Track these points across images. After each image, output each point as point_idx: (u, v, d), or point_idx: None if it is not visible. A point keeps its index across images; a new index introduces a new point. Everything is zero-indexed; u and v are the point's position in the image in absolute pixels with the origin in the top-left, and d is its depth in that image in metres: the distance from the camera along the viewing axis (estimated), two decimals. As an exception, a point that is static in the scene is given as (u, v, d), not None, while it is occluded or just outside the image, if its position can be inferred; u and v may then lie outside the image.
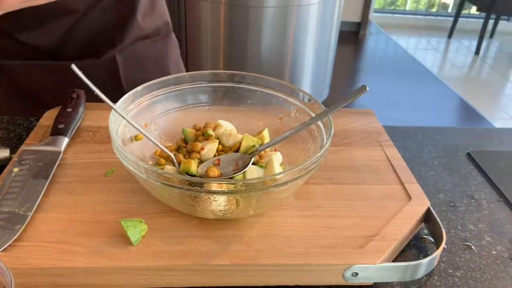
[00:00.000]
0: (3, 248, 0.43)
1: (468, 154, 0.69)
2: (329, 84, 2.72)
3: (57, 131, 0.59)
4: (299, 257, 0.45)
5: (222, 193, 0.42)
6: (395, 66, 3.52)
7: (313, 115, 0.56)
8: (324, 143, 0.49)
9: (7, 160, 0.57)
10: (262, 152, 0.56)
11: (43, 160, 0.55)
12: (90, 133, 0.62)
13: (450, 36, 4.04)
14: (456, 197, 0.60)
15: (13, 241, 0.44)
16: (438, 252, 0.47)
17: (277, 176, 0.45)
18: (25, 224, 0.46)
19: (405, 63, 3.59)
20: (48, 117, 0.64)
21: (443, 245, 0.48)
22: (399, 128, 0.76)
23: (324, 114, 0.51)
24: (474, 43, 3.83)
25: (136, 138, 0.54)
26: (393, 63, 3.58)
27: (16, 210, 0.47)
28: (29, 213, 0.47)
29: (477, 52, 3.83)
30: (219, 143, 0.56)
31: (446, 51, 3.98)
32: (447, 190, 0.61)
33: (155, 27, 0.82)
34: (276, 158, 0.54)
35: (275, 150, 0.57)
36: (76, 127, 0.62)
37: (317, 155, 0.46)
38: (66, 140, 0.58)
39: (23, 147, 0.57)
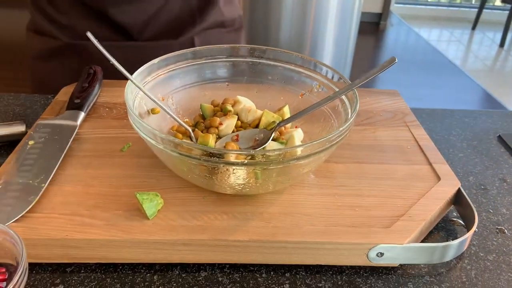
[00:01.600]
0: (16, 218, 0.42)
1: (499, 136, 0.66)
2: (349, 75, 2.67)
3: (73, 106, 0.57)
4: (321, 235, 0.43)
5: (241, 164, 0.40)
6: (416, 57, 3.43)
7: (337, 90, 0.53)
8: (349, 117, 0.46)
9: (23, 135, 0.56)
10: (283, 128, 0.53)
11: (59, 133, 0.54)
12: (107, 109, 0.61)
13: (474, 27, 3.93)
14: (487, 180, 0.57)
15: (27, 212, 0.43)
16: (469, 234, 0.44)
17: (298, 149, 0.43)
18: (39, 195, 0.44)
19: (427, 54, 3.50)
20: (65, 93, 0.63)
21: (475, 227, 0.45)
22: (425, 110, 0.72)
23: (350, 88, 0.49)
24: (499, 35, 3.71)
25: (152, 111, 0.53)
26: (414, 55, 3.50)
27: (31, 181, 0.46)
28: (43, 184, 0.46)
29: (501, 44, 3.71)
30: (238, 119, 0.54)
31: (469, 43, 3.87)
32: (477, 173, 0.58)
33: (232, 16, 0.83)
34: (297, 135, 0.52)
35: (296, 127, 0.55)
36: (93, 102, 0.60)
37: (341, 128, 0.44)
38: (82, 115, 0.57)
39: (38, 121, 0.56)
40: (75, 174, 0.49)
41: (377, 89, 0.71)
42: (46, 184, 0.46)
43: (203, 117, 0.56)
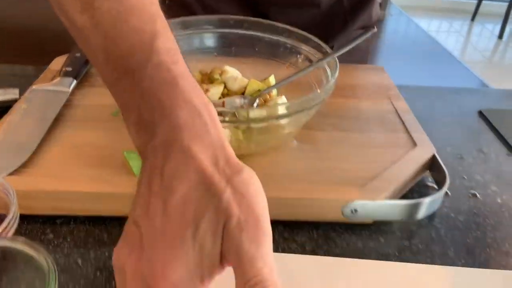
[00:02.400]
0: (9, 172, 0.44)
1: (480, 112, 0.68)
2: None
3: (65, 73, 0.60)
4: (299, 192, 0.45)
5: (223, 121, 0.42)
6: (416, 48, 3.44)
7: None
8: (329, 79, 0.49)
9: (16, 101, 0.58)
10: (268, 96, 0.55)
11: (51, 99, 0.56)
12: (98, 78, 0.63)
13: (473, 19, 3.94)
14: (464, 150, 0.59)
15: (19, 167, 0.45)
16: (440, 194, 0.47)
17: (279, 108, 0.45)
18: (32, 152, 0.47)
19: (427, 45, 3.51)
20: (58, 63, 0.65)
21: (446, 186, 0.47)
22: (411, 86, 0.74)
23: (330, 55, 0.51)
24: (498, 27, 3.72)
25: None
26: (414, 45, 3.51)
27: (23, 140, 0.48)
28: (35, 143, 0.48)
29: (500, 36, 3.72)
30: (225, 87, 0.56)
31: (469, 34, 3.88)
32: (455, 144, 0.60)
33: (373, 20, 0.79)
34: (281, 101, 0.54)
35: (281, 96, 0.57)
36: (84, 71, 0.62)
37: (319, 91, 0.46)
38: (73, 82, 0.59)
39: (31, 87, 0.58)
40: (66, 136, 0.51)
41: (364, 65, 0.73)
42: (38, 143, 0.48)
43: (191, 85, 0.58)
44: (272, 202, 0.44)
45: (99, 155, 0.48)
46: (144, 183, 0.30)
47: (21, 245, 0.33)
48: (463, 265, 0.42)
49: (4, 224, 0.37)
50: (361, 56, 0.77)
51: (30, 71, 0.70)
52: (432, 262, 0.43)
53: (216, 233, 0.28)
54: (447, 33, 3.80)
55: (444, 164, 0.52)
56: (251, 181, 0.30)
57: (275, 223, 0.46)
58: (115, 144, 0.50)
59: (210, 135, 0.30)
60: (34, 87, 0.58)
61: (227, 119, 0.42)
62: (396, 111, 0.60)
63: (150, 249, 0.28)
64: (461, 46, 3.70)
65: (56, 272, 0.31)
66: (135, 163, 0.46)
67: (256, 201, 0.30)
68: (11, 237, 0.35)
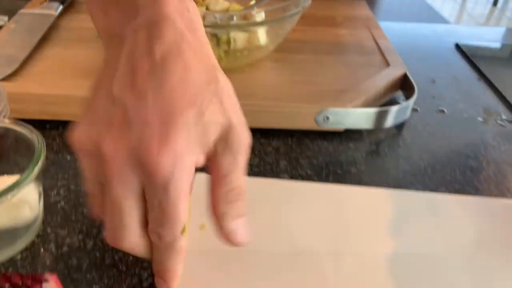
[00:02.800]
0: (2, 77, 0.47)
1: (457, 44, 0.71)
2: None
3: (52, -1, 0.61)
4: (275, 100, 0.48)
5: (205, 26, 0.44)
6: (412, 15, 3.43)
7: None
8: None
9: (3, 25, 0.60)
10: (248, 15, 0.57)
11: (38, 20, 0.57)
12: (84, 5, 0.65)
13: (468, -15, 3.91)
14: (438, 75, 0.62)
15: (9, 75, 0.47)
16: (407, 104, 0.50)
17: (257, 16, 0.47)
18: (20, 62, 0.49)
19: (423, 13, 3.49)
20: (46, -8, 0.67)
21: (413, 97, 0.50)
22: (392, 23, 0.76)
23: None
24: (493, -6, 3.71)
25: None
26: (409, 12, 3.49)
27: (13, 53, 0.50)
28: (24, 55, 0.50)
29: (495, 3, 3.71)
30: (207, 9, 0.58)
31: (464, 1, 3.86)
32: (430, 71, 0.63)
33: None
34: (260, 17, 0.56)
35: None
36: (71, -1, 0.64)
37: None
38: (60, 6, 0.60)
39: (19, 11, 0.60)
40: (52, 52, 0.53)
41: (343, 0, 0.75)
42: (26, 56, 0.50)
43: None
44: (249, 110, 0.47)
45: (83, 68, 0.51)
46: (124, 62, 0.28)
47: (16, 125, 0.35)
48: (424, 167, 0.46)
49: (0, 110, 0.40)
50: None
51: (20, 2, 0.71)
52: (397, 164, 0.46)
53: (216, 127, 0.27)
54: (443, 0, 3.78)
55: (417, 86, 0.55)
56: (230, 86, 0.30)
57: (252, 131, 0.50)
58: (97, 59, 0.52)
59: (198, 31, 0.29)
60: (22, 11, 0.59)
61: (206, 23, 0.45)
62: (373, 37, 0.62)
63: (142, 125, 0.25)
64: (456, 13, 3.69)
65: (45, 145, 0.34)
66: (120, 73, 0.48)
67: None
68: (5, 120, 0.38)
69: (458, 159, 0.47)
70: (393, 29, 0.74)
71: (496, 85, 0.59)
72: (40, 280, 0.27)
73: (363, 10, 0.70)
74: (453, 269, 0.34)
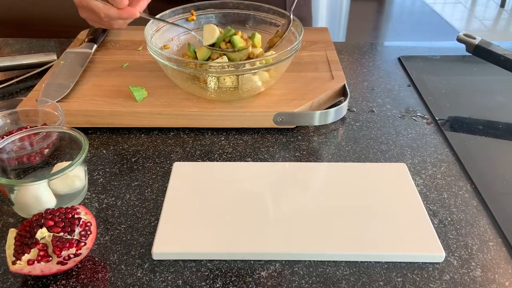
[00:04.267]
0: (58, 99, 0.68)
1: (399, 59, 0.89)
2: (344, 37, 2.86)
3: (88, 40, 0.83)
4: (243, 107, 0.68)
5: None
6: (419, 23, 3.57)
7: (293, 30, 0.75)
8: (297, 39, 0.70)
9: (54, 61, 0.82)
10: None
11: (80, 57, 0.79)
12: (112, 43, 0.87)
13: (476, -11, 4.01)
14: (377, 84, 0.81)
15: (62, 98, 0.69)
16: (342, 105, 0.69)
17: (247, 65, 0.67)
18: (70, 88, 0.71)
19: (432, 20, 3.63)
20: (83, 34, 0.89)
21: (347, 100, 0.69)
22: (351, 43, 0.95)
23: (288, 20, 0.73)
24: (500, -4, 3.80)
25: (164, 47, 0.77)
26: (418, 19, 3.64)
27: (64, 82, 0.72)
28: (72, 84, 0.72)
29: (502, 4, 3.80)
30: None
31: (473, 5, 3.97)
32: (371, 80, 0.82)
33: None
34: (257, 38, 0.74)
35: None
36: (102, 38, 0.86)
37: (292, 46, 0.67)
38: (94, 45, 0.82)
39: (66, 50, 0.82)
40: (91, 80, 0.75)
41: (313, 28, 0.94)
42: (73, 83, 0.72)
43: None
44: (226, 114, 0.67)
45: (114, 90, 0.72)
46: None
47: (70, 131, 0.57)
48: (348, 150, 0.65)
49: (59, 122, 0.61)
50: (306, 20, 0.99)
51: (64, 41, 0.94)
52: (330, 149, 0.65)
53: None
54: (453, 5, 3.90)
55: (358, 93, 0.74)
56: None
57: (229, 129, 0.69)
58: (123, 84, 0.74)
59: None
60: (67, 50, 0.82)
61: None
62: (327, 57, 0.81)
63: None
64: (461, 14, 3.81)
65: (88, 144, 0.55)
66: (137, 93, 0.69)
67: None
68: (63, 128, 0.59)
69: (373, 144, 0.65)
70: (356, 47, 0.93)
71: (420, 90, 0.77)
72: (74, 208, 0.47)
73: (324, 36, 0.90)
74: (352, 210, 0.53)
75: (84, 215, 0.48)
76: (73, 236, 0.46)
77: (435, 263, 0.49)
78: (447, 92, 0.78)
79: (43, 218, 0.47)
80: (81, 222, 0.47)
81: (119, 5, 0.68)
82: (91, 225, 0.48)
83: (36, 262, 0.44)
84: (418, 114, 0.73)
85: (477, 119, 0.71)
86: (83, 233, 0.47)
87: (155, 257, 0.49)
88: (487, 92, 0.78)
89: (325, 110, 0.68)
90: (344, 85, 0.74)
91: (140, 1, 0.70)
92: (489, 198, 0.56)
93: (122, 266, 0.48)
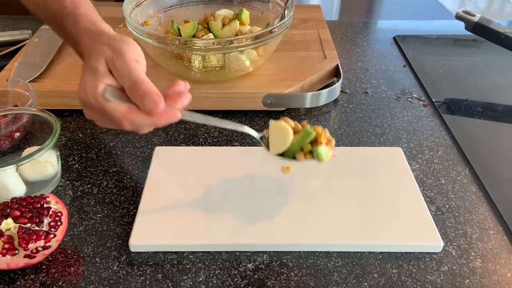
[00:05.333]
0: (29, 79, 0.64)
1: (394, 38, 0.85)
2: (337, 17, 2.81)
3: (66, 16, 0.78)
4: (230, 88, 0.64)
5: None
6: (414, 5, 3.52)
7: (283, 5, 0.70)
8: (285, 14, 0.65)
9: (29, 39, 0.77)
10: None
11: (55, 35, 0.74)
12: (91, 20, 0.81)
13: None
14: (372, 65, 0.77)
15: (36, 78, 0.65)
16: (334, 86, 0.65)
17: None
18: (44, 68, 0.66)
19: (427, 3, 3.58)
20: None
21: (340, 81, 0.65)
22: (344, 21, 0.91)
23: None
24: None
25: (146, 23, 0.71)
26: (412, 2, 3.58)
27: (37, 61, 0.68)
28: (46, 63, 0.67)
29: (496, -12, 3.76)
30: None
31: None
32: (365, 60, 0.78)
33: None
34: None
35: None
36: (81, 15, 0.81)
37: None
38: (72, 22, 0.77)
39: (41, 27, 0.77)
40: (66, 58, 0.70)
41: (304, 5, 0.90)
42: (48, 62, 0.67)
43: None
44: (214, 96, 0.63)
45: (92, 70, 0.67)
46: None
47: (40, 112, 0.52)
48: (341, 134, 0.61)
49: (29, 103, 0.56)
50: None
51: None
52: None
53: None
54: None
55: (351, 74, 0.71)
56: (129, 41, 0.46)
57: (215, 111, 0.65)
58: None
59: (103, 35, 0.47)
60: (42, 27, 0.76)
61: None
62: (319, 36, 0.77)
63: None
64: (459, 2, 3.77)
65: (59, 126, 0.50)
66: (116, 73, 0.65)
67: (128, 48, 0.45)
68: (33, 108, 0.55)
69: (367, 127, 0.62)
70: (350, 26, 0.89)
71: (416, 70, 0.74)
72: (43, 197, 0.44)
73: (316, 14, 0.85)
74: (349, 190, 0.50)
75: (55, 204, 0.44)
76: (42, 227, 0.42)
77: (433, 253, 0.46)
78: (444, 72, 0.74)
79: (9, 207, 0.43)
80: (50, 212, 0.43)
81: (153, 110, 0.43)
82: (61, 215, 0.44)
83: (1, 255, 0.41)
84: (414, 95, 0.69)
85: (475, 101, 0.68)
86: (52, 224, 0.43)
87: (132, 249, 0.45)
88: (486, 73, 0.75)
89: (317, 92, 0.64)
90: (337, 65, 0.70)
91: (181, 97, 0.47)
92: (489, 184, 0.53)
93: (97, 259, 0.45)
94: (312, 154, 0.47)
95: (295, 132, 0.48)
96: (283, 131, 0.47)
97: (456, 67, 0.76)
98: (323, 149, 0.46)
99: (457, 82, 0.72)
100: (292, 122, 0.48)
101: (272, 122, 0.48)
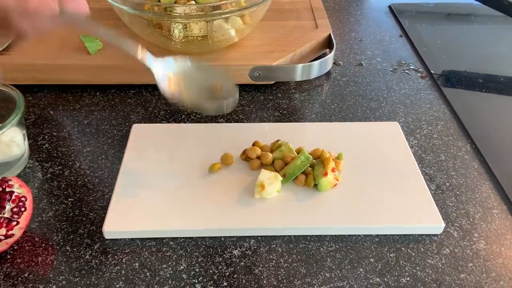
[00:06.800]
0: (-4, 51, 0.59)
1: (389, 7, 0.80)
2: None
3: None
4: (214, 61, 0.59)
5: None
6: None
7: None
8: None
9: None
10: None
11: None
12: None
13: None
14: (366, 35, 0.72)
15: (3, 50, 0.59)
16: (327, 58, 0.60)
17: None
18: (11, 39, 0.60)
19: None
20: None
21: (332, 52, 0.61)
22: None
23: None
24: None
25: None
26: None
27: (3, 32, 0.62)
28: (13, 34, 0.62)
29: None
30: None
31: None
32: (359, 31, 0.73)
33: None
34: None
35: None
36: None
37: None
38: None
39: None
40: (38, 31, 0.65)
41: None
42: (15, 34, 0.62)
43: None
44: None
45: (63, 41, 0.62)
46: None
47: (1, 87, 0.47)
48: (334, 108, 0.57)
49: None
50: None
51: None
52: (312, 108, 0.57)
53: None
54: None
55: (344, 45, 0.66)
56: None
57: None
58: (74, 34, 0.63)
59: None
60: None
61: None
62: (310, 4, 0.72)
63: None
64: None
65: (24, 102, 0.46)
66: (90, 44, 0.59)
67: None
68: None
69: (362, 101, 0.58)
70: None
71: (413, 40, 0.69)
72: (5, 180, 0.39)
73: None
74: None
75: (18, 188, 0.40)
76: (3, 214, 0.38)
77: (433, 235, 0.42)
78: (443, 42, 0.70)
79: (-34, 192, 0.38)
80: (13, 197, 0.39)
81: None
82: (26, 200, 0.39)
83: (-42, 246, 0.37)
84: (411, 67, 0.65)
85: (476, 72, 0.64)
86: (15, 210, 0.39)
87: (107, 235, 0.41)
88: (487, 43, 0.71)
89: (308, 63, 0.60)
90: (330, 35, 0.65)
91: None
92: (491, 160, 0.50)
93: (68, 247, 0.41)
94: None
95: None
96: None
97: (456, 37, 0.72)
98: (326, 180, 0.44)
99: (457, 53, 0.68)
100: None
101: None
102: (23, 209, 0.39)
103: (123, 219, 0.42)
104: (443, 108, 0.58)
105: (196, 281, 0.38)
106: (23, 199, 0.39)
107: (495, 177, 0.48)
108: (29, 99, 0.58)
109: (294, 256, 0.40)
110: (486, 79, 0.63)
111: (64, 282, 0.38)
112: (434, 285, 0.38)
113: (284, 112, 0.56)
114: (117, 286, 0.38)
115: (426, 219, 0.43)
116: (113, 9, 0.58)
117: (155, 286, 0.38)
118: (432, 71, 0.63)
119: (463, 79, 0.63)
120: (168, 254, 0.40)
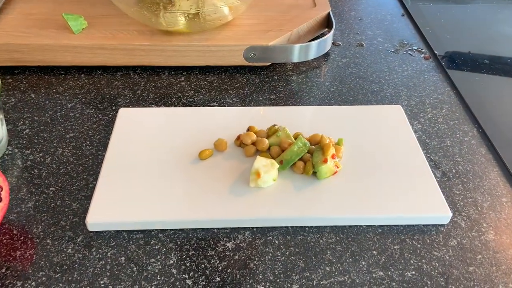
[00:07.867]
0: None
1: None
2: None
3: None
4: (206, 40, 0.56)
5: None
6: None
7: None
8: None
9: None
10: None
11: (4, -20, 0.64)
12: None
13: None
14: (366, 14, 0.69)
15: (-21, 30, 0.55)
16: (326, 37, 0.57)
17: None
18: (-12, 18, 0.57)
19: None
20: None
21: (332, 31, 0.58)
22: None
23: None
24: None
25: None
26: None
27: (-19, 10, 0.58)
28: (-9, 12, 0.58)
29: None
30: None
31: None
32: (359, 9, 0.70)
33: None
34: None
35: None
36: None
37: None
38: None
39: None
40: (16, 7, 0.61)
41: None
42: (-7, 12, 0.58)
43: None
44: (185, 49, 0.55)
45: (45, 19, 0.58)
46: None
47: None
48: (333, 91, 0.54)
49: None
50: None
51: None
52: (310, 90, 0.54)
53: None
54: None
55: (344, 24, 0.63)
56: None
57: (190, 68, 0.58)
58: (57, 12, 0.60)
59: None
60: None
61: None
62: (308, -18, 0.69)
63: None
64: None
65: (1, 84, 0.42)
66: (73, 23, 0.56)
67: None
68: None
69: (363, 84, 0.55)
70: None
71: (416, 20, 0.66)
72: None
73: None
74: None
75: (-7, 177, 0.37)
76: (-24, 205, 0.35)
77: (439, 225, 0.40)
78: (447, 22, 0.67)
79: None
80: (-13, 187, 0.36)
81: None
82: (1, 190, 0.37)
83: None
84: (414, 47, 0.62)
85: (482, 53, 0.61)
86: (-11, 201, 0.36)
87: (90, 228, 0.39)
88: (493, 22, 0.68)
89: (306, 44, 0.56)
90: (329, 13, 0.62)
91: None
92: (500, 145, 0.47)
93: (48, 241, 0.38)
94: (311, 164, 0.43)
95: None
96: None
97: (460, 16, 0.69)
98: (326, 167, 0.42)
99: (462, 32, 0.65)
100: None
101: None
102: (-2, 200, 0.36)
103: (108, 210, 0.39)
104: (448, 91, 0.55)
105: (187, 276, 0.35)
106: (-2, 189, 0.36)
107: (503, 163, 0.45)
108: (9, 81, 0.54)
109: (291, 248, 0.38)
110: (492, 60, 0.60)
111: (44, 278, 0.35)
112: (441, 279, 0.36)
113: (281, 95, 0.53)
114: (102, 282, 0.35)
115: (432, 209, 0.40)
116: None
117: (143, 282, 0.35)
118: (436, 52, 0.60)
119: (469, 60, 0.60)
120: (156, 247, 0.37)
